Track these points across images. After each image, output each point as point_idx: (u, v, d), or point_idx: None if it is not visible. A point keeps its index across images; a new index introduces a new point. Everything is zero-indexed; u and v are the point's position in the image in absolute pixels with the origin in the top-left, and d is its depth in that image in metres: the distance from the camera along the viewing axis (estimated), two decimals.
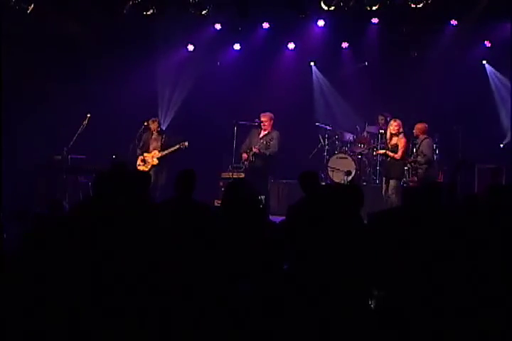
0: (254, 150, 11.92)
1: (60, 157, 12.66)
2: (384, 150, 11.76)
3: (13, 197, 11.17)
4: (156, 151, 12.45)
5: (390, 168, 11.59)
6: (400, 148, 11.39)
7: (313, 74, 15.58)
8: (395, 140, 11.50)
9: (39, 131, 13.21)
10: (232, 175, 12.76)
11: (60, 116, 13.25)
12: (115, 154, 12.66)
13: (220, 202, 12.10)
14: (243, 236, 5.93)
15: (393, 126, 11.49)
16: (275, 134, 11.99)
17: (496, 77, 14.54)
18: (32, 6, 12.54)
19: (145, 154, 12.49)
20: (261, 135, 12.08)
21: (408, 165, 11.93)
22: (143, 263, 5.83)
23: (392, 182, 11.39)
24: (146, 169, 12.26)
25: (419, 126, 11.83)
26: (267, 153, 11.87)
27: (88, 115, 12.51)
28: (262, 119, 12.08)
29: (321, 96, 15.55)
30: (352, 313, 5.33)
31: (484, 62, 14.55)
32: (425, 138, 11.73)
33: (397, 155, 11.38)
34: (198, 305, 5.51)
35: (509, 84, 14.17)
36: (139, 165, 12.47)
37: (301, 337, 5.27)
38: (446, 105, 14.16)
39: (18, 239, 6.40)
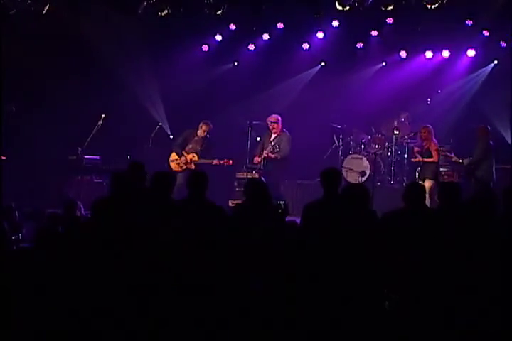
0: (263, 154, 11.91)
1: (74, 157, 12.69)
2: (418, 159, 11.98)
3: (28, 197, 11.20)
4: (196, 155, 12.14)
5: (425, 169, 11.89)
6: (432, 151, 11.78)
7: (312, 72, 15.37)
8: (426, 145, 11.90)
9: (54, 131, 13.23)
10: (247, 175, 12.75)
11: (75, 117, 13.28)
12: (129, 155, 12.68)
13: (234, 202, 12.22)
14: (259, 234, 5.93)
15: (421, 133, 11.97)
16: (285, 137, 11.94)
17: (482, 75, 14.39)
18: (47, 6, 12.59)
19: (184, 153, 12.21)
20: (271, 138, 12.04)
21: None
22: (156, 263, 5.83)
23: (427, 183, 11.45)
24: (179, 169, 12.11)
25: (478, 128, 12.01)
26: (278, 157, 11.85)
27: (103, 115, 12.53)
28: (270, 122, 12.02)
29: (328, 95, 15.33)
30: (368, 314, 5.31)
31: (495, 62, 14.34)
32: (480, 139, 11.80)
33: (433, 159, 11.77)
34: (210, 304, 5.50)
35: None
36: (172, 161, 12.23)
37: (315, 337, 5.25)
38: (463, 105, 14.08)
39: (32, 238, 6.43)
